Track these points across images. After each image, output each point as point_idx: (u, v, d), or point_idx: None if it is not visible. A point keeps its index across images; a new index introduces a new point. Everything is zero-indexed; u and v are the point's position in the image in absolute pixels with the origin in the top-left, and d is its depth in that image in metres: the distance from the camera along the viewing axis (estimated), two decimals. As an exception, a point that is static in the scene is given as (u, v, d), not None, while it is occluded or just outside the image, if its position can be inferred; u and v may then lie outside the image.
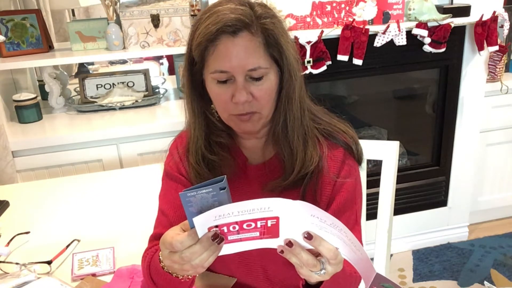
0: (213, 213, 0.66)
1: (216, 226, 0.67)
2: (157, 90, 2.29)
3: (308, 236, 0.68)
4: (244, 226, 0.67)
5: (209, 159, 0.93)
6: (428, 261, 2.35)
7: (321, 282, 0.79)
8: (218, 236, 0.68)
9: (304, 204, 0.66)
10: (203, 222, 0.67)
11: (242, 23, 0.81)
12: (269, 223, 0.67)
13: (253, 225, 0.67)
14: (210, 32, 0.80)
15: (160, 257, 0.82)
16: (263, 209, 0.65)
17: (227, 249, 0.71)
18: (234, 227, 0.67)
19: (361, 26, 1.91)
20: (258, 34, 0.82)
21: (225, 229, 0.67)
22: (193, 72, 0.89)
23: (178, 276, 0.82)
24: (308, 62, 1.92)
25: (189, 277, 0.84)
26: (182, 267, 0.72)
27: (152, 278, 0.89)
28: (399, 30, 1.94)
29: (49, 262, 1.08)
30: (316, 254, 0.71)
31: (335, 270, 0.72)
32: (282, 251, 0.71)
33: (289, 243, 0.69)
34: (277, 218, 0.67)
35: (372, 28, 1.93)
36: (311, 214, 0.66)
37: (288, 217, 0.67)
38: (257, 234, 0.68)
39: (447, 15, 1.96)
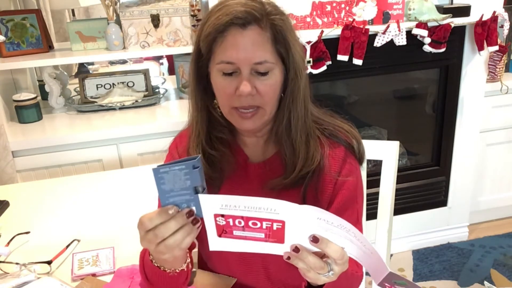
0: (219, 199, 0.66)
1: (223, 216, 0.67)
2: (157, 90, 2.29)
3: (314, 239, 0.68)
4: (250, 223, 0.67)
5: (209, 154, 0.94)
6: (428, 261, 2.35)
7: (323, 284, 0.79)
8: (193, 215, 0.71)
9: (311, 208, 0.66)
10: (208, 204, 0.67)
11: (252, 16, 0.82)
12: (275, 226, 0.67)
13: (259, 224, 0.67)
14: (220, 23, 0.81)
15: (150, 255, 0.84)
16: (270, 210, 0.65)
17: (231, 245, 0.70)
18: (239, 222, 0.67)
19: (361, 26, 1.90)
20: (267, 29, 0.83)
21: (230, 221, 0.67)
22: (199, 65, 0.89)
23: (165, 270, 0.83)
24: (308, 62, 1.92)
25: (177, 270, 0.85)
26: (158, 248, 0.73)
27: (146, 274, 0.90)
28: (399, 30, 1.94)
29: (49, 262, 1.08)
30: (321, 256, 0.71)
31: (342, 270, 0.72)
32: (288, 258, 0.71)
33: (296, 249, 0.69)
34: (283, 223, 0.66)
35: (372, 28, 1.93)
36: (317, 217, 0.66)
37: (294, 222, 0.66)
38: (262, 235, 0.68)
39: (447, 15, 1.96)
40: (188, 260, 0.89)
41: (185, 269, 0.87)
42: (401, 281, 0.71)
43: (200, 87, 0.92)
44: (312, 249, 0.70)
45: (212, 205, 0.67)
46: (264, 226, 0.67)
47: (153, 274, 0.87)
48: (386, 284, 0.72)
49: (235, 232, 0.68)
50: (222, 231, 0.69)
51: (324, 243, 0.68)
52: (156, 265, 0.84)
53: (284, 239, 0.68)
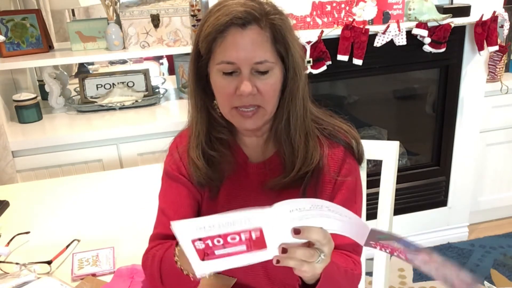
0: (193, 223, 0.64)
1: (200, 239, 0.66)
2: (157, 90, 2.29)
3: (296, 231, 0.68)
4: (229, 239, 0.66)
5: (209, 154, 0.94)
6: (428, 261, 2.35)
7: (317, 282, 0.79)
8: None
9: (280, 205, 0.65)
10: (184, 231, 0.65)
11: (252, 16, 0.82)
12: (253, 235, 0.66)
13: (237, 238, 0.66)
14: (220, 23, 0.82)
15: (176, 252, 0.84)
16: (243, 221, 0.65)
17: (217, 265, 0.69)
18: (218, 241, 0.66)
19: (361, 26, 1.90)
20: (266, 28, 0.83)
21: (209, 242, 0.66)
22: (199, 65, 0.89)
23: (189, 274, 0.83)
24: (308, 62, 1.92)
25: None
26: None
27: (161, 274, 0.89)
28: (399, 30, 1.94)
29: (49, 262, 1.08)
30: (307, 245, 0.72)
31: (331, 248, 0.73)
32: (278, 261, 0.71)
33: (283, 250, 0.69)
34: (260, 229, 0.66)
35: (372, 28, 1.93)
36: (289, 210, 0.66)
37: (270, 225, 0.66)
38: (244, 247, 0.67)
39: (447, 15, 1.96)
40: None
41: None
42: (384, 235, 0.71)
43: (200, 88, 0.92)
44: (296, 241, 0.70)
45: (187, 231, 0.65)
46: (243, 238, 0.66)
47: (172, 276, 0.87)
48: (371, 242, 0.72)
49: (217, 252, 0.67)
50: (204, 254, 0.68)
51: (305, 231, 0.68)
52: (181, 267, 0.84)
53: (266, 244, 0.68)
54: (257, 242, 0.67)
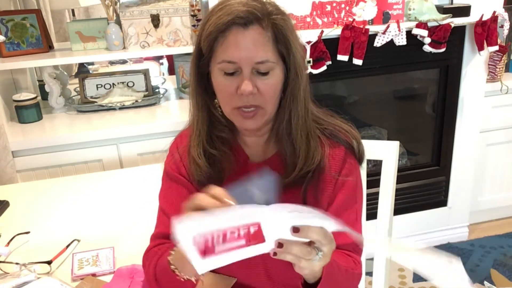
0: (195, 220, 0.66)
1: (200, 235, 0.67)
2: (157, 90, 2.29)
3: (295, 230, 0.68)
4: (228, 234, 0.67)
5: (210, 153, 0.94)
6: (428, 261, 2.35)
7: (318, 281, 0.79)
8: None
9: (278, 205, 0.66)
10: (186, 229, 0.66)
11: (254, 16, 0.82)
12: (252, 229, 0.68)
13: (236, 233, 0.67)
14: (222, 22, 0.82)
15: (171, 255, 0.84)
16: (242, 217, 0.67)
17: (218, 261, 0.69)
18: (218, 236, 0.67)
19: (361, 26, 1.91)
20: (268, 28, 0.84)
21: (209, 238, 0.67)
22: (200, 65, 0.89)
23: (182, 277, 0.83)
24: (308, 62, 1.92)
25: (189, 278, 0.84)
26: None
27: (156, 277, 0.90)
28: (399, 30, 1.94)
29: (49, 262, 1.08)
30: (307, 244, 0.72)
31: (331, 248, 0.73)
32: (275, 253, 0.71)
33: (279, 244, 0.69)
34: (258, 224, 0.67)
35: (372, 28, 1.93)
36: (288, 211, 0.67)
37: (268, 220, 0.67)
38: (243, 242, 0.68)
39: (447, 15, 1.96)
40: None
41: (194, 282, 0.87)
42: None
43: (201, 87, 0.92)
44: (294, 239, 0.70)
45: (189, 228, 0.66)
46: (242, 233, 0.67)
47: (167, 280, 0.87)
48: None
49: (217, 248, 0.68)
50: (205, 252, 0.68)
51: (304, 230, 0.68)
52: (174, 270, 0.84)
53: (264, 238, 0.69)
54: (256, 236, 0.68)
